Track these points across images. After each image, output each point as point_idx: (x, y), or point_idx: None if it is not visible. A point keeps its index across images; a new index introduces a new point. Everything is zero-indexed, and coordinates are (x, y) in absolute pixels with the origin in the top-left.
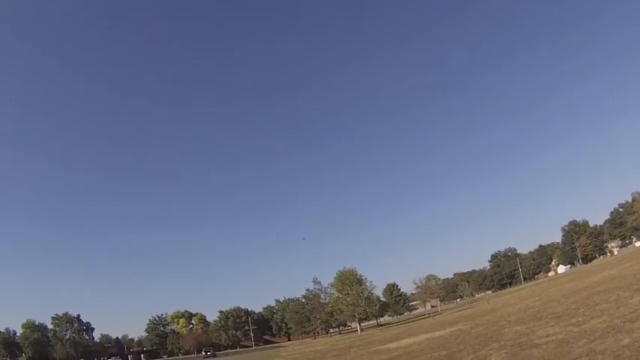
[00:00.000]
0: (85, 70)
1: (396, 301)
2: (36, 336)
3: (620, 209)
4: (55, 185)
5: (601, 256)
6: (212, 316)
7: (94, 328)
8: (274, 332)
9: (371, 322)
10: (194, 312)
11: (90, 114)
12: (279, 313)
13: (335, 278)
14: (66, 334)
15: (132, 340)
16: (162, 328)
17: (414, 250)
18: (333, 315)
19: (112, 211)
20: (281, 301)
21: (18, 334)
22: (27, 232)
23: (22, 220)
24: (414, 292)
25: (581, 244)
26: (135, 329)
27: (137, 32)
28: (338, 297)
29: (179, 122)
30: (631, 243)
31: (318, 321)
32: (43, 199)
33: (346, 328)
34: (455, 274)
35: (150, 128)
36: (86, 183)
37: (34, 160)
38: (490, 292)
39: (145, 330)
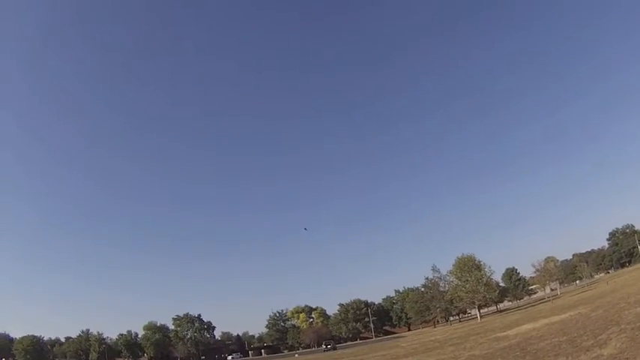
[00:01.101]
0: None
1: (515, 286)
2: (157, 336)
3: None
4: (181, 198)
5: None
6: (332, 310)
7: (214, 327)
8: (394, 323)
9: (490, 309)
10: (314, 306)
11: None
12: (399, 304)
13: (454, 265)
14: (187, 334)
15: (252, 336)
16: (282, 324)
17: (532, 231)
18: (452, 303)
19: (230, 215)
20: (400, 291)
21: (140, 336)
22: (151, 240)
23: (144, 229)
24: (532, 275)
25: None
26: (256, 326)
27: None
28: (457, 284)
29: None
30: None
31: (438, 309)
32: (167, 211)
33: (466, 315)
34: (574, 255)
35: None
36: (207, 194)
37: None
38: (609, 272)
39: (266, 326)
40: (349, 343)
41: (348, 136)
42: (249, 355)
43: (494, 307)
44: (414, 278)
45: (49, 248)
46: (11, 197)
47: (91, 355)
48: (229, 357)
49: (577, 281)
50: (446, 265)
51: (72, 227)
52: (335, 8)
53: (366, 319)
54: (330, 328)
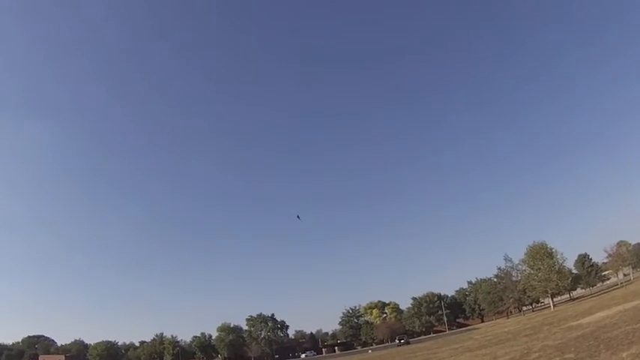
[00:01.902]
0: None
1: (587, 273)
2: (231, 337)
3: None
4: (254, 199)
5: None
6: (405, 304)
7: (288, 326)
8: (467, 315)
9: (563, 297)
10: (387, 301)
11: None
12: (472, 295)
13: (525, 254)
14: (261, 333)
15: (326, 333)
16: (355, 320)
17: (603, 214)
18: (525, 292)
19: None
20: (473, 282)
21: (214, 337)
22: (224, 242)
23: (218, 231)
24: (605, 260)
25: None
26: (329, 323)
27: None
28: (529, 273)
29: None
30: None
31: (511, 300)
32: (241, 213)
33: (539, 305)
34: None
35: None
36: (279, 193)
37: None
38: None
39: (339, 323)
40: (422, 337)
41: (421, 129)
42: (322, 353)
43: (567, 295)
44: (486, 268)
45: (121, 254)
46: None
47: (165, 358)
48: (302, 355)
49: None
50: (518, 254)
51: (145, 231)
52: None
53: (439, 312)
54: (404, 323)
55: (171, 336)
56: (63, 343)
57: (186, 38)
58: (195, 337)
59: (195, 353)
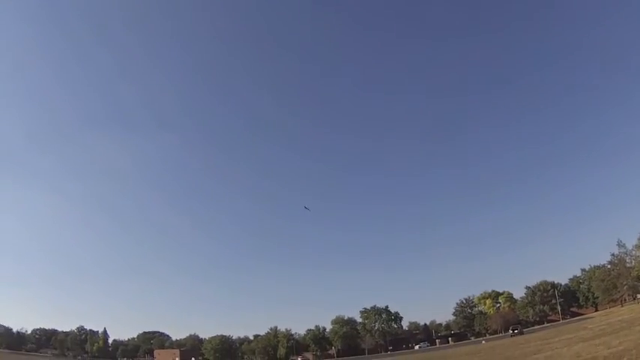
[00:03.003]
0: None
1: None
2: (345, 330)
3: None
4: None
5: None
6: (519, 293)
7: (402, 317)
8: (581, 304)
9: None
10: (501, 291)
11: None
12: (585, 283)
13: (639, 239)
14: (375, 325)
15: (440, 324)
16: (469, 310)
17: None
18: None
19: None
20: (586, 269)
21: (328, 330)
22: (338, 236)
23: (333, 224)
24: None
25: None
26: (443, 314)
27: None
28: None
29: None
30: None
31: (625, 287)
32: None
33: None
34: None
35: None
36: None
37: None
38: None
39: (453, 314)
40: (536, 327)
41: None
42: (435, 344)
43: None
44: (600, 255)
45: (236, 250)
46: None
47: (279, 351)
48: (416, 346)
49: None
50: (631, 240)
51: (258, 226)
52: None
53: (553, 302)
54: (517, 312)
55: (285, 329)
56: (178, 338)
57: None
58: (310, 330)
59: (309, 346)
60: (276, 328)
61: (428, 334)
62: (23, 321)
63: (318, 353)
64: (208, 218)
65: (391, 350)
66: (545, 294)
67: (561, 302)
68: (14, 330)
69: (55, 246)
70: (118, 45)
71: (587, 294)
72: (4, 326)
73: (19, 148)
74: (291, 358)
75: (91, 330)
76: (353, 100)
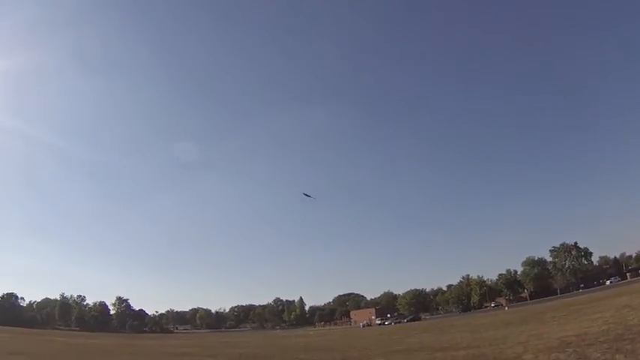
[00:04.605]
0: None
1: None
2: (536, 271)
3: None
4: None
5: None
6: None
7: (592, 253)
8: None
9: None
10: None
11: None
12: None
13: None
14: (565, 264)
15: (629, 257)
16: None
17: None
18: None
19: None
20: None
21: (519, 273)
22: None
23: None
24: None
25: None
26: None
27: None
28: None
29: None
30: None
31: None
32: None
33: None
34: None
35: None
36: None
37: None
38: None
39: None
40: None
41: None
42: (626, 278)
43: None
44: None
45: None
46: None
47: (472, 299)
48: (607, 282)
49: None
50: None
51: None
52: None
53: None
54: None
55: (477, 276)
56: (372, 297)
57: None
58: (501, 274)
59: (501, 291)
60: (467, 276)
61: (618, 268)
62: (221, 302)
63: (511, 297)
64: (390, 174)
65: (582, 288)
66: None
67: None
68: (213, 311)
69: (249, 230)
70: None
71: None
72: (203, 309)
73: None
74: (485, 304)
75: (287, 300)
76: None
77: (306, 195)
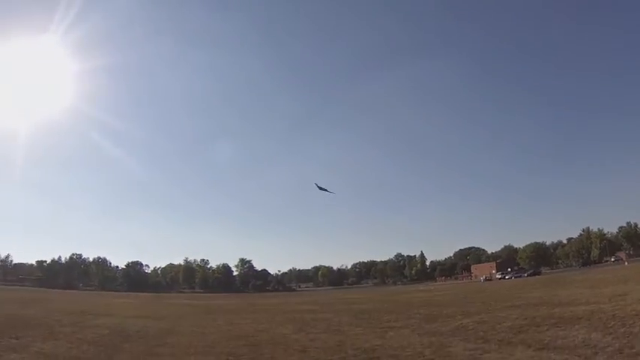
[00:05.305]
0: None
1: None
2: None
3: None
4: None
5: None
6: None
7: None
8: None
9: None
10: None
11: None
12: None
13: None
14: None
15: None
16: None
17: None
18: None
19: None
20: None
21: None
22: None
23: None
24: None
25: None
26: None
27: None
28: None
29: None
30: None
31: None
32: None
33: None
34: None
35: None
36: None
37: None
38: None
39: None
40: None
41: None
42: None
43: None
44: None
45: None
46: None
47: (592, 252)
48: None
49: None
50: None
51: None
52: None
53: None
54: None
55: (598, 229)
56: (493, 251)
57: None
58: (621, 227)
59: (621, 244)
60: (588, 229)
61: None
62: (343, 259)
63: (631, 252)
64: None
65: None
66: None
67: None
68: (334, 268)
69: (368, 188)
70: None
71: None
72: (325, 266)
73: None
74: (605, 259)
75: (408, 256)
76: None
77: (321, 189)
